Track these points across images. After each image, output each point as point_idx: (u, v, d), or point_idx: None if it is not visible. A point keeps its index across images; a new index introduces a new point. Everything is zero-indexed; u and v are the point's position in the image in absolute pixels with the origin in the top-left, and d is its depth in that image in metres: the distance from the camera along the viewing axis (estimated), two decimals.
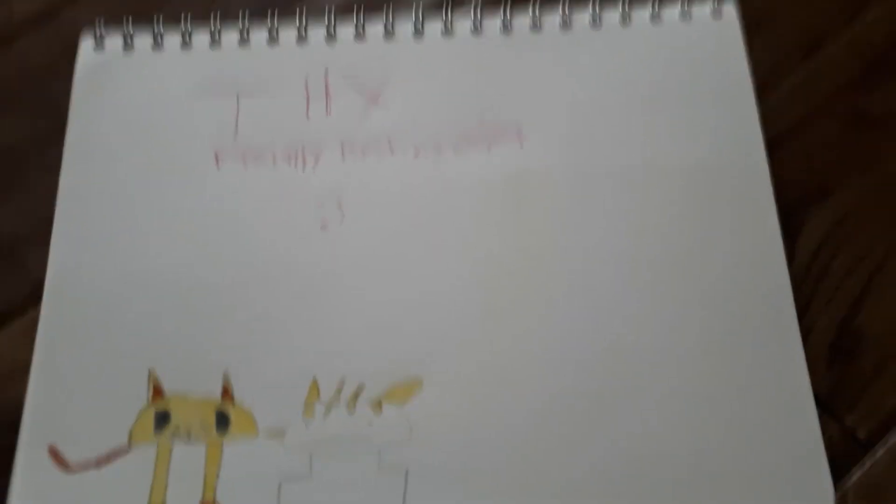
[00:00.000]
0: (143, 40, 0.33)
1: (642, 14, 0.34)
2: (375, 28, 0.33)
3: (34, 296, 0.30)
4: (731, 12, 0.33)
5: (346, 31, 0.33)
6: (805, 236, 0.32)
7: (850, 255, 0.32)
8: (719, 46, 0.33)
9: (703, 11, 0.33)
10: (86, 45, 0.33)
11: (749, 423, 0.27)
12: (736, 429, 0.27)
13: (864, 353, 0.30)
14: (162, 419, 0.28)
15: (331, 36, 0.33)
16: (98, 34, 0.33)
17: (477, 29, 0.33)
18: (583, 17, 0.34)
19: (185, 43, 0.33)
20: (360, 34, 0.33)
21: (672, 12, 0.34)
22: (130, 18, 0.33)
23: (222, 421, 0.28)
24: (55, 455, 0.27)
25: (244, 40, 0.33)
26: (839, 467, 0.28)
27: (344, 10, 0.36)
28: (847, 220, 0.32)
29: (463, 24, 0.33)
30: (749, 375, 0.28)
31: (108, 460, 0.27)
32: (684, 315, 0.29)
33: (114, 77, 0.33)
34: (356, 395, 0.28)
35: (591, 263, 0.30)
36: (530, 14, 0.33)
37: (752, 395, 0.28)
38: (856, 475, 0.28)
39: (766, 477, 0.27)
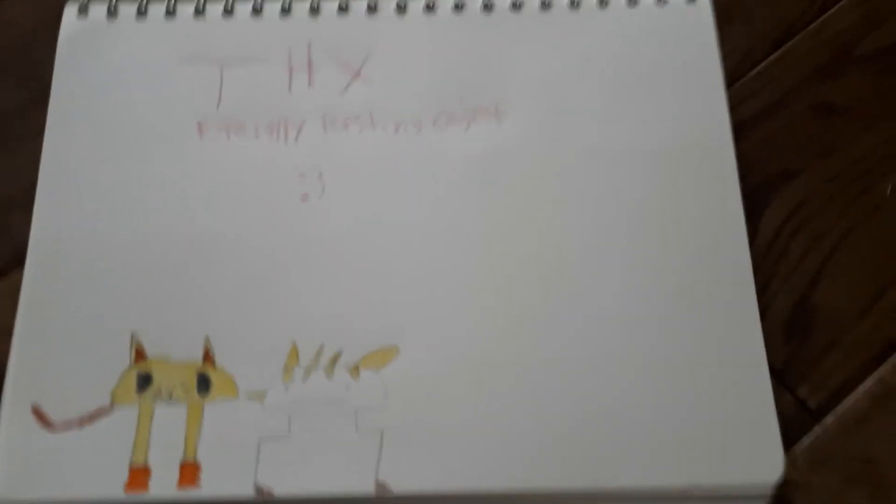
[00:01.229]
0: (127, 8, 0.33)
1: None
2: (359, 3, 0.34)
3: (18, 259, 0.31)
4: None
5: (329, 4, 0.34)
6: (767, 218, 0.33)
7: (808, 237, 0.33)
8: (691, 31, 0.34)
9: None
10: (69, 11, 0.33)
11: (707, 391, 0.29)
12: (694, 397, 0.29)
13: (817, 329, 0.32)
14: (144, 381, 0.29)
15: (314, 9, 0.34)
16: (83, 3, 0.33)
17: (459, 7, 0.34)
18: None
19: (169, 12, 0.33)
20: (343, 8, 0.34)
21: None
22: None
23: (203, 383, 0.29)
24: (38, 414, 0.28)
25: (228, 11, 0.33)
26: (791, 435, 0.29)
27: None
28: (807, 204, 0.34)
29: (445, 1, 0.34)
30: (708, 347, 0.29)
31: (90, 420, 0.28)
32: (649, 288, 0.30)
33: (97, 44, 0.33)
34: (334, 360, 0.29)
35: (562, 238, 0.31)
36: None
37: (710, 365, 0.29)
38: (806, 442, 0.30)
39: (722, 443, 0.28)
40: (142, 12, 0.33)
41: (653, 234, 0.31)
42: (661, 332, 0.30)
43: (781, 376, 0.31)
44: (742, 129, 0.34)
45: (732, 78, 0.36)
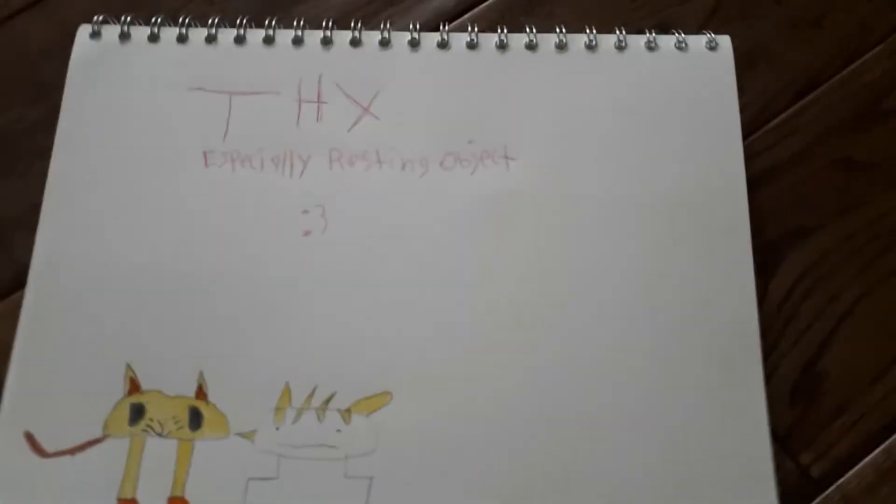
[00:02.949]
0: (139, 33, 0.33)
1: (638, 41, 0.34)
2: (372, 36, 0.33)
3: (18, 280, 0.31)
4: (726, 46, 0.33)
5: (342, 37, 0.33)
6: (779, 276, 0.32)
7: (821, 298, 0.32)
8: (711, 79, 0.33)
9: (698, 43, 0.33)
10: (82, 33, 0.33)
11: (704, 454, 0.28)
12: (691, 459, 0.28)
13: (825, 395, 0.31)
14: (137, 412, 0.29)
15: (327, 41, 0.33)
16: (95, 29, 0.33)
17: (473, 44, 0.33)
18: (579, 40, 0.33)
19: (182, 38, 0.33)
20: (356, 42, 0.33)
21: (668, 41, 0.34)
22: (129, 17, 0.33)
23: (195, 418, 0.29)
24: (31, 441, 0.28)
25: (240, 40, 0.33)
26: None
27: (342, 21, 0.36)
28: (822, 263, 0.33)
29: (459, 38, 0.33)
30: (708, 408, 0.29)
31: (82, 449, 0.28)
32: (651, 343, 0.30)
33: (108, 67, 0.33)
34: (326, 403, 0.29)
35: (566, 286, 0.30)
36: (527, 33, 0.33)
37: (709, 427, 0.29)
38: None
39: None
40: (154, 38, 0.33)
41: (658, 286, 0.30)
42: (659, 389, 0.29)
43: (784, 442, 0.30)
44: (759, 181, 0.33)
45: (752, 127, 0.35)
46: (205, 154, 0.32)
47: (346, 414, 0.29)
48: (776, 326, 0.32)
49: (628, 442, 0.28)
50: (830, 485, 0.29)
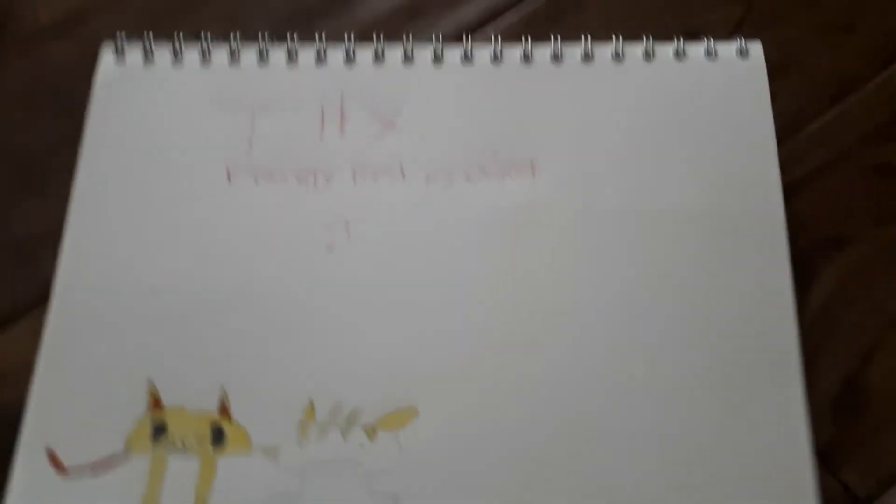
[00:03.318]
0: (162, 54, 0.34)
1: (666, 50, 0.33)
2: (395, 52, 0.33)
3: (43, 297, 0.31)
4: (757, 53, 0.33)
5: (365, 53, 0.33)
6: (818, 286, 0.31)
7: (862, 309, 0.31)
8: (743, 87, 0.33)
9: (728, 50, 0.33)
10: (106, 55, 0.33)
11: (744, 471, 0.27)
12: (730, 474, 0.27)
13: (868, 409, 0.30)
14: (159, 430, 0.28)
15: (349, 58, 0.33)
16: (119, 46, 0.33)
17: (497, 57, 0.33)
18: (605, 50, 0.33)
19: (205, 58, 0.33)
20: (379, 57, 0.33)
21: (697, 49, 0.33)
22: (151, 34, 0.33)
23: (218, 435, 0.28)
24: (53, 458, 0.28)
25: (263, 58, 0.33)
26: None
27: (364, 36, 0.36)
28: (862, 273, 0.32)
29: (483, 52, 0.33)
30: (747, 423, 0.28)
31: (104, 467, 0.28)
32: (686, 357, 0.29)
33: (132, 88, 0.33)
34: (351, 419, 0.28)
35: (596, 301, 0.30)
36: (552, 45, 0.33)
37: (748, 443, 0.28)
38: None
39: None
40: (177, 58, 0.33)
41: (692, 298, 0.30)
42: (696, 403, 0.28)
43: (826, 458, 0.29)
44: (793, 190, 0.32)
45: (785, 135, 0.34)
46: (228, 170, 0.32)
47: (371, 430, 0.28)
48: (815, 338, 0.30)
49: (664, 458, 0.27)
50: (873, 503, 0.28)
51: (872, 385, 0.30)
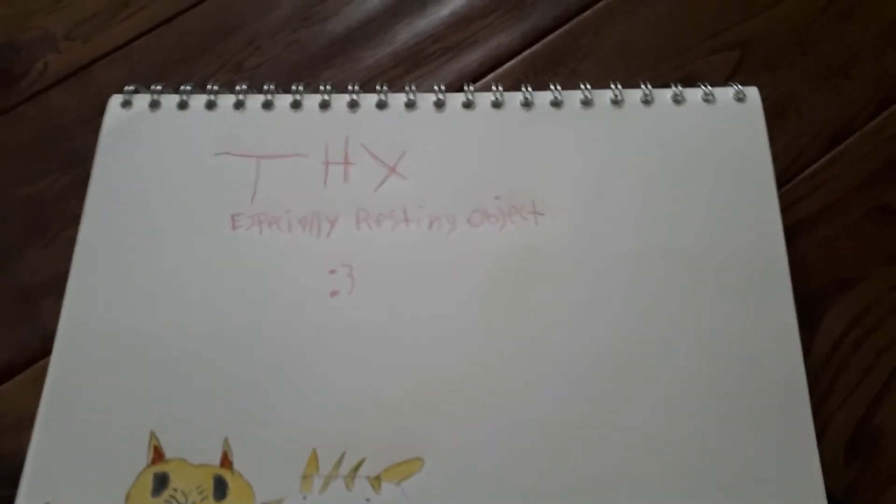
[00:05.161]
0: (169, 100, 0.34)
1: (665, 94, 0.33)
2: (398, 98, 0.34)
3: (44, 347, 0.31)
4: (754, 97, 0.33)
5: (368, 99, 0.34)
6: (825, 328, 0.31)
7: (870, 350, 0.31)
8: (741, 130, 0.33)
9: (726, 95, 0.33)
10: (114, 102, 0.34)
11: None
12: None
13: (882, 453, 0.29)
14: (161, 482, 0.28)
15: (353, 104, 0.34)
16: (127, 97, 0.34)
17: (498, 103, 0.33)
18: (605, 95, 0.33)
19: (210, 105, 0.34)
20: (382, 104, 0.34)
21: (695, 94, 0.33)
22: (159, 87, 0.34)
23: (220, 488, 0.28)
24: None
25: (268, 104, 0.34)
26: None
27: (368, 85, 0.36)
28: (868, 315, 0.31)
29: (484, 97, 0.33)
30: (759, 470, 0.27)
31: None
32: (692, 403, 0.28)
33: (139, 134, 0.33)
34: (355, 470, 0.28)
35: (599, 346, 0.29)
36: (552, 90, 0.33)
37: (761, 491, 0.27)
38: None
39: None
40: (183, 105, 0.34)
41: (696, 343, 0.29)
42: (704, 452, 0.28)
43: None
44: (795, 232, 0.33)
45: (785, 178, 0.34)
46: (232, 217, 0.32)
47: (376, 481, 0.28)
48: (825, 381, 0.30)
49: None
50: None
51: (886, 427, 0.29)
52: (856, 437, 0.29)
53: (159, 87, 0.34)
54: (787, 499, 0.27)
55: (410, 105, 0.33)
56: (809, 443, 0.27)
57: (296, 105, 0.33)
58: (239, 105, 0.33)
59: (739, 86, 0.33)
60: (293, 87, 0.33)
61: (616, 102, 0.33)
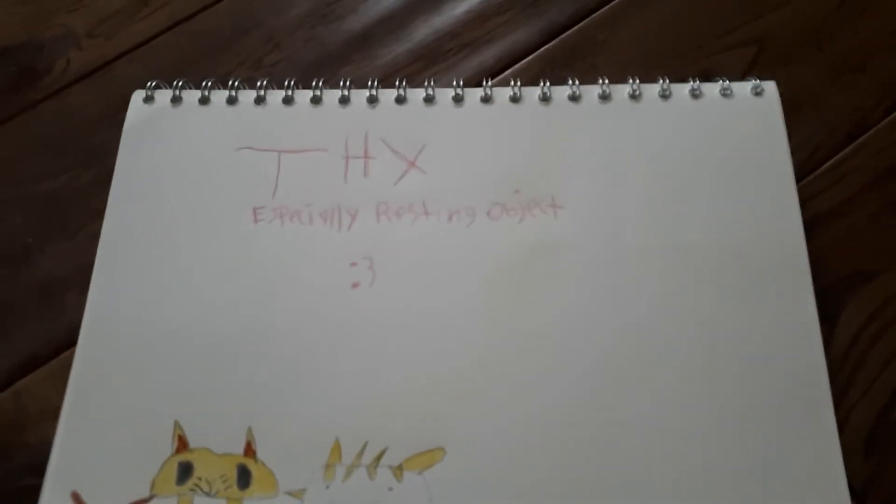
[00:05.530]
0: (190, 96, 0.34)
1: (682, 89, 0.34)
2: (416, 94, 0.34)
3: (69, 339, 0.31)
4: (772, 91, 0.33)
5: (387, 95, 0.34)
6: (844, 322, 0.31)
7: (890, 343, 0.31)
8: (759, 125, 0.33)
9: (743, 89, 0.33)
10: (136, 98, 0.34)
11: None
12: None
13: None
14: (185, 471, 0.28)
15: (373, 100, 0.34)
16: (149, 93, 0.34)
17: (516, 97, 0.34)
18: (622, 90, 0.34)
19: (231, 100, 0.34)
20: (401, 99, 0.34)
21: (713, 88, 0.34)
22: (181, 82, 0.34)
23: (244, 476, 0.28)
24: (77, 501, 0.28)
25: (289, 100, 0.34)
26: None
27: (387, 81, 0.37)
28: (888, 307, 0.31)
29: (503, 92, 0.34)
30: (781, 464, 0.27)
31: None
32: (713, 397, 0.28)
33: (161, 129, 0.33)
34: (378, 459, 0.28)
35: (620, 339, 0.30)
36: (569, 85, 0.34)
37: (784, 484, 0.27)
38: None
39: None
40: (205, 100, 0.34)
41: (717, 337, 0.29)
42: (725, 447, 0.28)
43: (863, 498, 0.28)
44: (813, 227, 0.33)
45: (802, 172, 0.34)
46: (254, 210, 0.32)
47: (398, 471, 0.28)
48: (844, 375, 0.30)
49: (695, 499, 0.27)
50: None
51: None
52: (875, 431, 0.29)
53: (181, 83, 0.34)
54: (810, 492, 0.27)
55: (429, 100, 0.34)
56: (832, 436, 0.28)
57: (316, 100, 0.34)
58: (260, 100, 0.34)
59: (757, 80, 0.33)
60: (313, 83, 0.34)
61: (634, 97, 0.33)
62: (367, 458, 0.28)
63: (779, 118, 0.33)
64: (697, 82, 0.34)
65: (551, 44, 0.38)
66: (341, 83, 0.34)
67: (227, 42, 0.39)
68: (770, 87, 0.33)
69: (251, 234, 0.32)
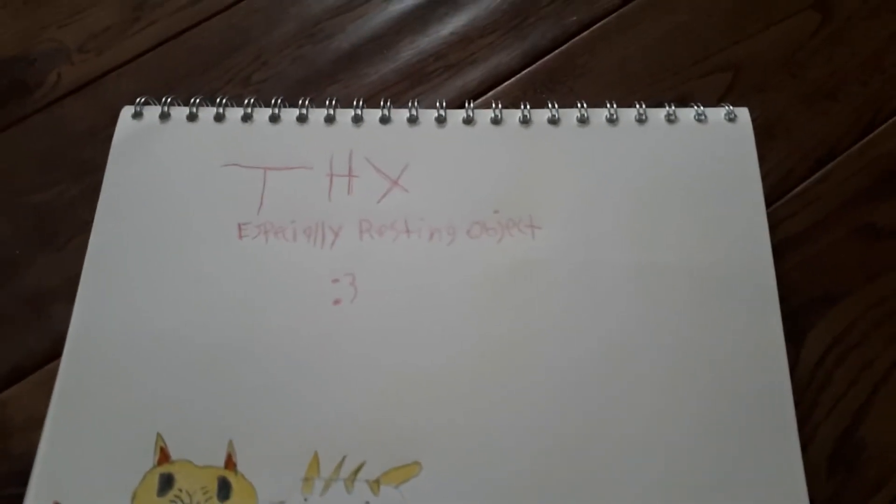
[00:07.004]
0: (179, 112, 0.35)
1: (658, 113, 0.35)
2: (400, 114, 0.35)
3: (55, 350, 0.32)
4: (744, 117, 0.34)
5: (372, 114, 0.35)
6: (810, 343, 0.32)
7: (854, 365, 0.32)
8: (732, 150, 0.34)
9: (717, 115, 0.34)
10: (125, 113, 0.35)
11: None
12: None
13: (865, 465, 0.30)
14: (166, 483, 0.29)
15: (357, 119, 0.35)
16: (138, 109, 0.35)
17: (497, 119, 0.34)
18: (600, 114, 0.35)
19: (219, 118, 0.35)
20: (385, 118, 0.35)
21: (688, 113, 0.35)
22: (169, 99, 0.35)
23: (224, 489, 0.29)
24: None
25: (275, 118, 0.35)
26: None
27: (372, 100, 0.38)
28: (853, 329, 0.32)
29: (484, 114, 0.35)
30: (744, 481, 0.28)
31: None
32: (681, 415, 0.29)
33: (149, 144, 0.34)
34: (355, 473, 0.29)
35: (593, 357, 0.30)
36: (549, 108, 0.35)
37: (748, 501, 0.28)
38: None
39: None
40: (193, 117, 0.35)
41: (686, 356, 0.30)
42: (691, 463, 0.29)
43: None
44: (782, 250, 0.34)
45: (773, 196, 0.35)
46: (239, 226, 0.33)
47: (375, 485, 0.28)
48: (809, 395, 0.31)
49: None
50: None
51: (868, 441, 0.30)
52: (839, 450, 0.30)
53: (169, 100, 0.35)
54: None
55: (413, 120, 0.35)
56: (794, 455, 0.28)
57: (302, 119, 0.35)
58: (247, 118, 0.35)
59: (731, 106, 0.34)
60: (300, 102, 0.35)
61: (611, 121, 0.34)
62: (346, 471, 0.29)
63: (750, 144, 0.34)
64: (673, 107, 0.34)
65: (533, 67, 0.39)
66: (327, 102, 0.35)
67: (217, 59, 0.39)
68: (743, 113, 0.34)
69: (236, 250, 0.32)
